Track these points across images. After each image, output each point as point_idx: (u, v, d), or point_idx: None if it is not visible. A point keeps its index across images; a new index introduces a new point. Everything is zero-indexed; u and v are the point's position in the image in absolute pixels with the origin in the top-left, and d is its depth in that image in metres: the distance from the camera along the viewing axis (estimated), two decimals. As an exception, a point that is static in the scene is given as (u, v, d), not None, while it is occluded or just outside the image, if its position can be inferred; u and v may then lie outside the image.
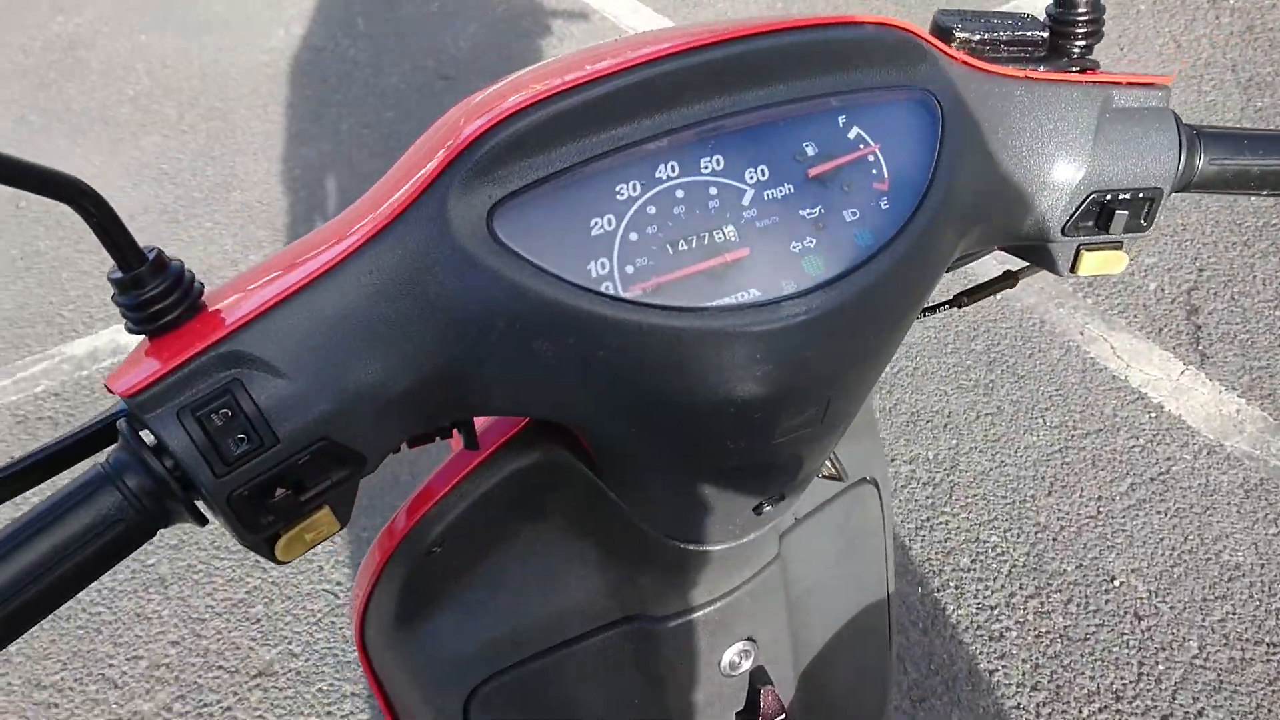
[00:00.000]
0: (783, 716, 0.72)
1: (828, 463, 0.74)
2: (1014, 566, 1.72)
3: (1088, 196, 0.53)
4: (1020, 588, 1.68)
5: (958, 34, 0.53)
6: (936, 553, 1.75)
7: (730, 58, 0.44)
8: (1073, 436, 1.93)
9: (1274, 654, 1.54)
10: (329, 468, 0.42)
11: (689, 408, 0.45)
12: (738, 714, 0.73)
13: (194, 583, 1.81)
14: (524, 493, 0.58)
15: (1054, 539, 1.75)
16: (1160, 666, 1.55)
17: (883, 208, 0.46)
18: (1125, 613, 1.63)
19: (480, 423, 0.56)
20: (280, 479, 0.40)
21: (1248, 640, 1.57)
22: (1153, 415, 1.95)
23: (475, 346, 0.42)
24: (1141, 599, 1.64)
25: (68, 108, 3.14)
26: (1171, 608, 1.63)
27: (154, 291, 0.39)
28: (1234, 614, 1.61)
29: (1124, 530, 1.75)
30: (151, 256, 0.39)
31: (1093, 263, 0.56)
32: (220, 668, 1.67)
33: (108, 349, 2.31)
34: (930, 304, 0.63)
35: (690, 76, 0.44)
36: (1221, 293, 2.21)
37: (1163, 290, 2.24)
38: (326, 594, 1.77)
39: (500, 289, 0.41)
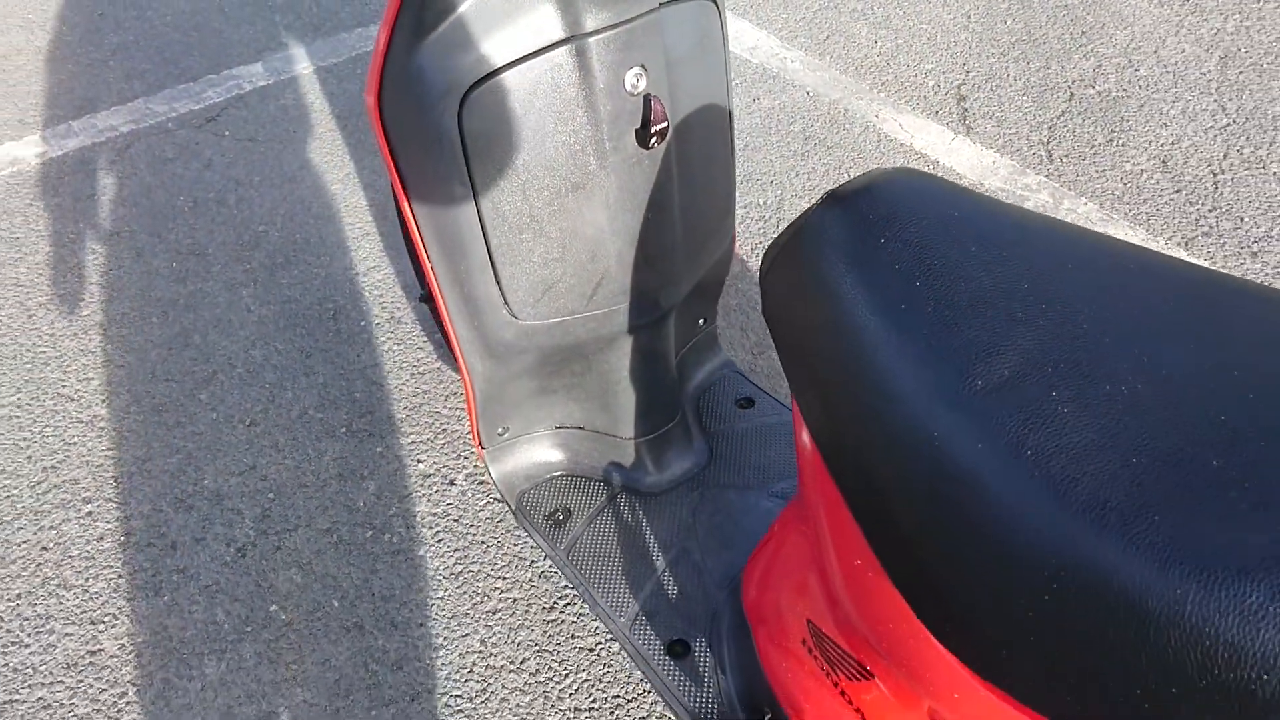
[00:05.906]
0: (665, 124, 1.08)
1: None
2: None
3: None
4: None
5: None
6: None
7: None
8: (871, 183, 2.40)
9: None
10: None
11: None
12: (636, 132, 1.09)
13: (133, 326, 2.03)
14: None
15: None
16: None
17: None
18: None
19: None
20: None
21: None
22: (931, 166, 2.44)
23: None
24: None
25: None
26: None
27: None
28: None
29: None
30: None
31: None
32: (167, 380, 1.91)
33: (5, 159, 2.44)
34: None
35: None
36: (983, 86, 2.74)
37: (938, 85, 2.75)
38: (255, 325, 2.03)
39: None
